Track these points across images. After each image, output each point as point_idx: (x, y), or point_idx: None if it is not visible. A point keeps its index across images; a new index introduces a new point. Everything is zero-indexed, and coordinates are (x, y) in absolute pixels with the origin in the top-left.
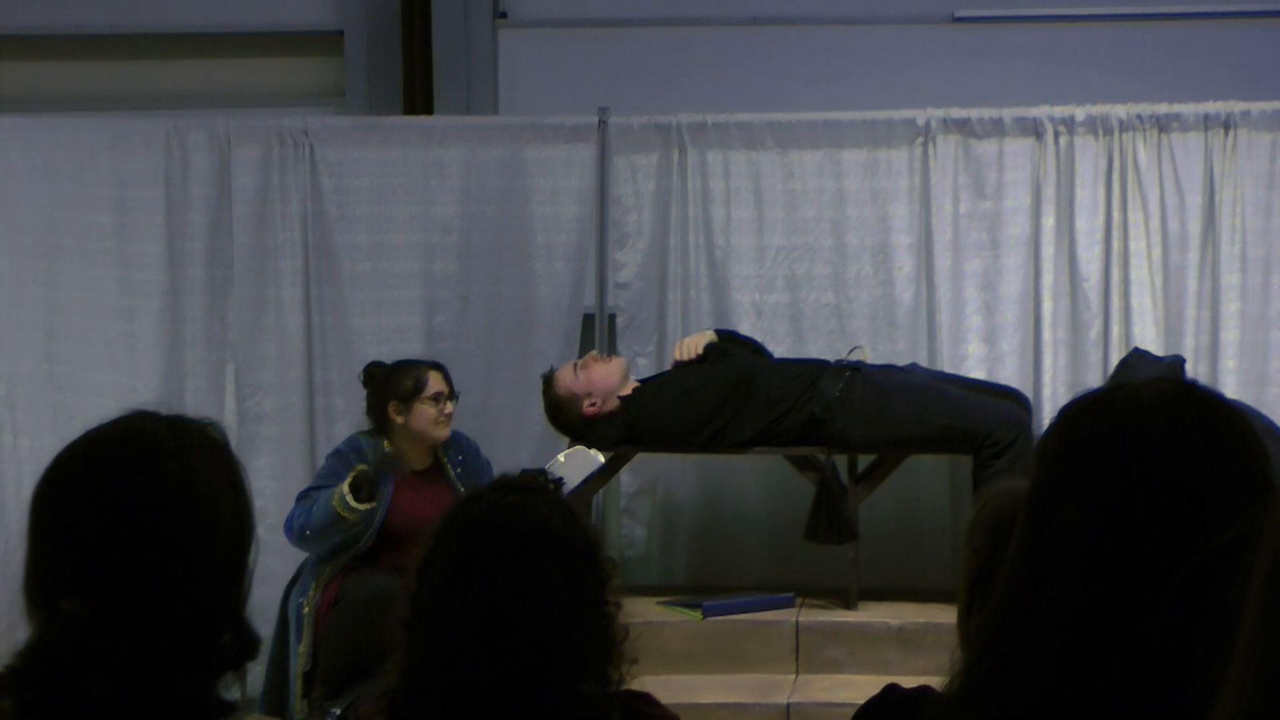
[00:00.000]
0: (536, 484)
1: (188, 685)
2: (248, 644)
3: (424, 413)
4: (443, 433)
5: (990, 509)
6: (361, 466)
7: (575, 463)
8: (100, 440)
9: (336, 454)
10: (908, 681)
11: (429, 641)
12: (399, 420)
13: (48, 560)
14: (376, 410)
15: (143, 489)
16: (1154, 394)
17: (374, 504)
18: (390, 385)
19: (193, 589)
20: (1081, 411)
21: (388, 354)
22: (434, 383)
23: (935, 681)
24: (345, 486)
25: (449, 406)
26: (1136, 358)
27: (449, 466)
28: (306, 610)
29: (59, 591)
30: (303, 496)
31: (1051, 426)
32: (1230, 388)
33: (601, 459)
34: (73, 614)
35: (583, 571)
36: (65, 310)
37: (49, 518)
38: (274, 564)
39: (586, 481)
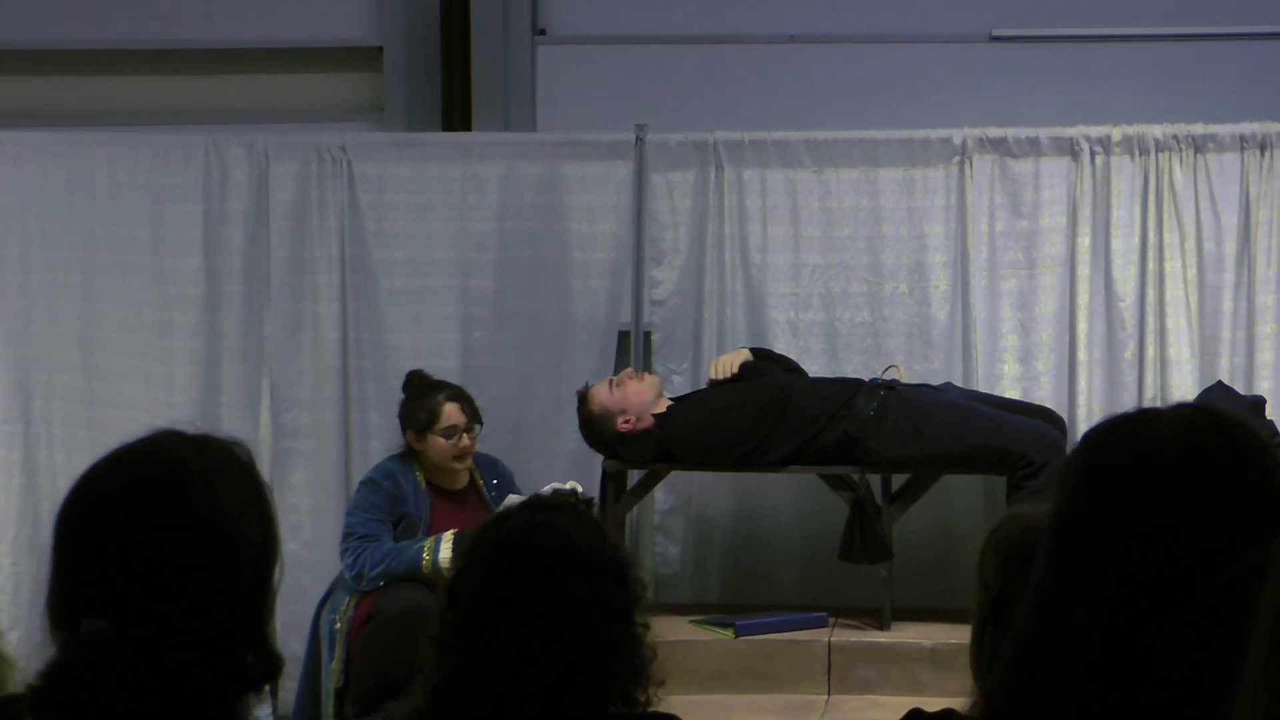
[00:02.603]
0: (567, 503)
1: (210, 706)
2: (271, 664)
3: (438, 446)
4: (458, 466)
5: (998, 539)
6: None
7: None
8: (125, 460)
9: (371, 483)
10: (940, 703)
11: (457, 660)
12: (418, 447)
13: (71, 580)
14: (402, 431)
15: (167, 509)
16: (1176, 420)
17: None
18: (408, 412)
19: (216, 609)
20: (1104, 437)
21: (424, 369)
22: (448, 415)
23: (960, 704)
24: (447, 554)
25: (465, 440)
26: (1220, 390)
27: (484, 488)
28: (339, 626)
29: (82, 612)
30: (353, 537)
31: (1074, 452)
32: (1267, 411)
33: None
34: (95, 634)
35: (612, 591)
36: (101, 324)
37: (72, 537)
38: (307, 580)
39: None
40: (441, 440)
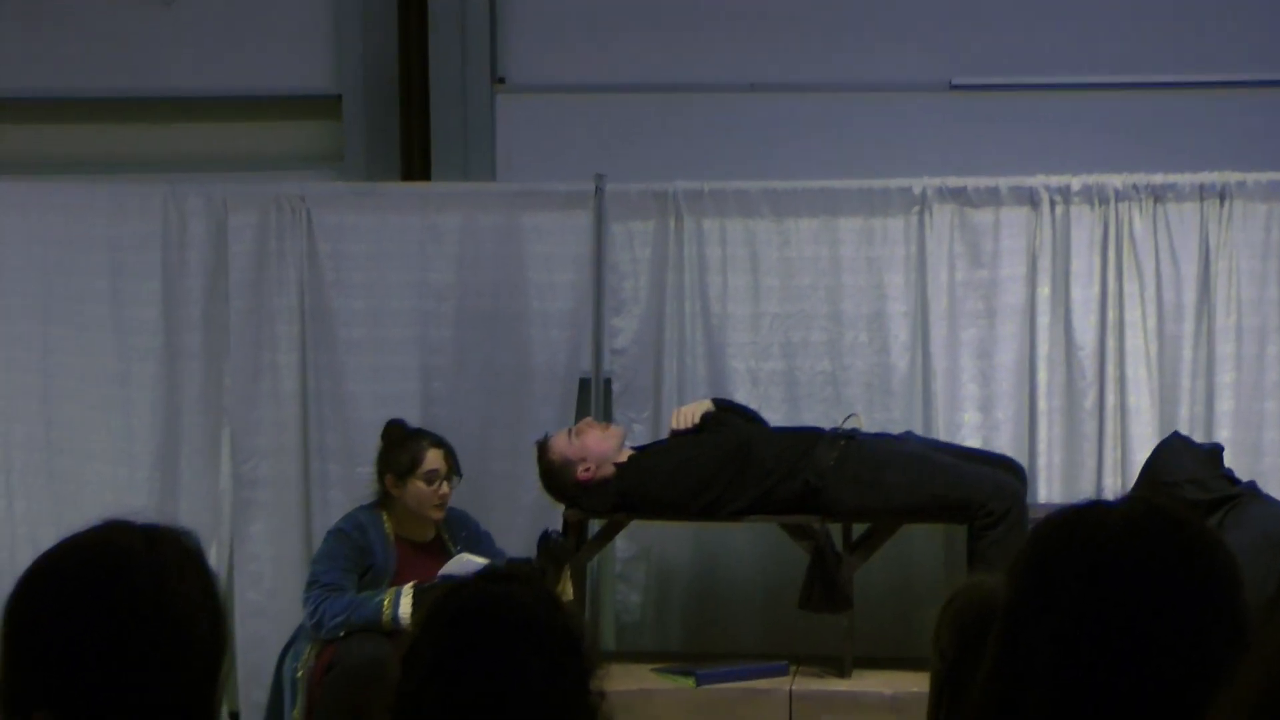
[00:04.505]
0: (522, 574)
1: None
2: None
3: (418, 491)
4: (436, 514)
5: (954, 609)
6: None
7: (461, 567)
8: (74, 551)
9: (338, 533)
10: None
11: None
12: (395, 493)
13: (21, 671)
14: (379, 478)
15: (116, 602)
16: (1123, 517)
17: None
18: (389, 457)
19: (165, 701)
20: (1052, 533)
21: (383, 419)
22: (431, 460)
23: None
24: (407, 608)
25: (445, 487)
26: (1177, 441)
27: (449, 543)
28: (300, 675)
29: (32, 703)
30: (316, 585)
31: (1025, 543)
32: (1225, 459)
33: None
34: None
35: (567, 662)
36: (60, 375)
37: (23, 628)
38: (268, 629)
39: None
40: (422, 485)
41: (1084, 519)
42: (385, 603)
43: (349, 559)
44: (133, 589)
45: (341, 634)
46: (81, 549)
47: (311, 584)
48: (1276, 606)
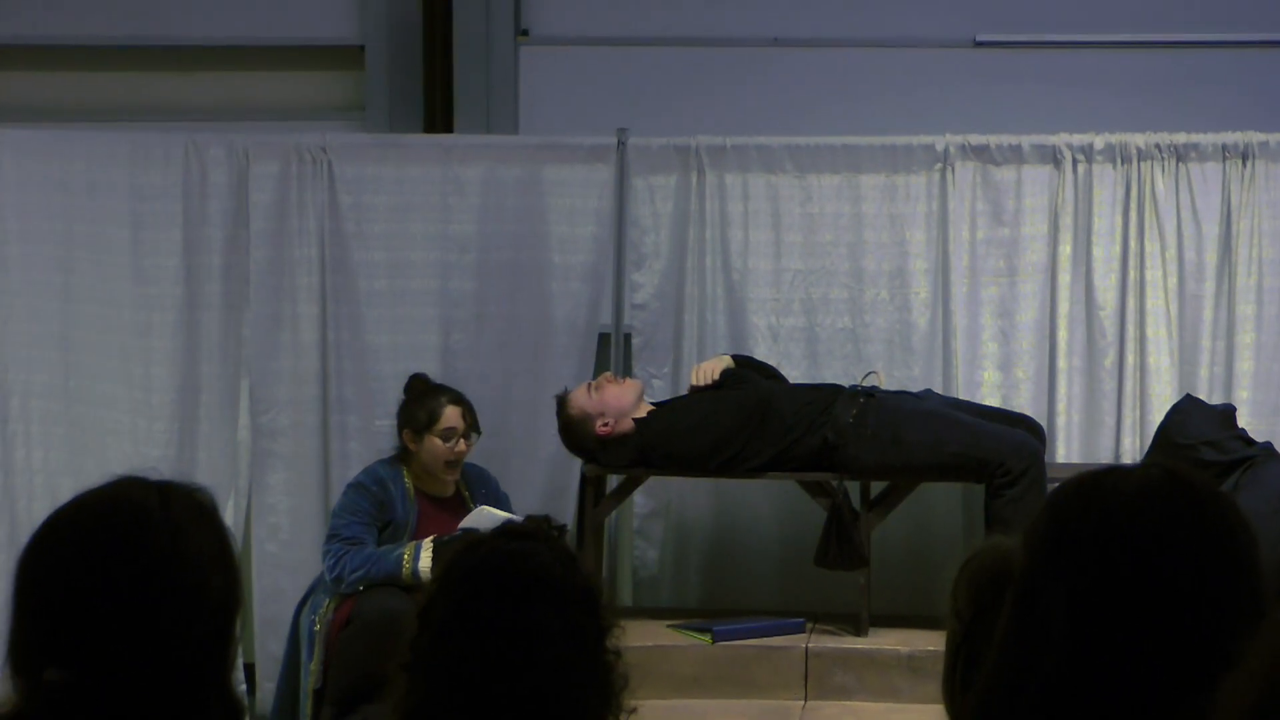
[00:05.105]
0: (540, 531)
1: None
2: (232, 711)
3: (433, 447)
4: (447, 475)
5: (971, 571)
6: (442, 537)
7: (481, 521)
8: (88, 507)
9: (359, 486)
10: (916, 710)
11: (428, 687)
12: (413, 448)
13: (33, 628)
14: (398, 431)
15: (131, 560)
16: (1140, 484)
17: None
18: (408, 411)
19: (179, 659)
20: (1069, 499)
21: (403, 372)
22: (449, 417)
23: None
24: (426, 562)
25: (462, 445)
26: (1190, 404)
27: (470, 500)
28: (319, 628)
29: (43, 660)
30: (336, 539)
31: (1042, 508)
32: (1244, 419)
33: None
34: (56, 684)
35: (583, 620)
36: (80, 323)
37: (35, 584)
38: (285, 581)
39: None
40: (438, 441)
41: (1100, 484)
42: (405, 557)
43: (369, 513)
44: (146, 546)
45: (361, 588)
46: (95, 505)
47: (332, 537)
48: None
